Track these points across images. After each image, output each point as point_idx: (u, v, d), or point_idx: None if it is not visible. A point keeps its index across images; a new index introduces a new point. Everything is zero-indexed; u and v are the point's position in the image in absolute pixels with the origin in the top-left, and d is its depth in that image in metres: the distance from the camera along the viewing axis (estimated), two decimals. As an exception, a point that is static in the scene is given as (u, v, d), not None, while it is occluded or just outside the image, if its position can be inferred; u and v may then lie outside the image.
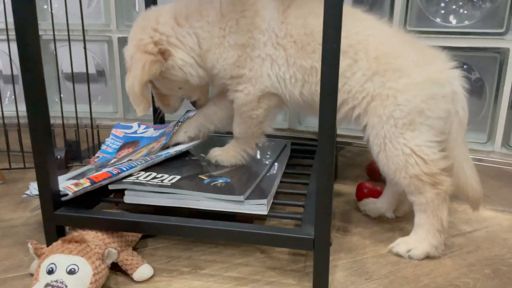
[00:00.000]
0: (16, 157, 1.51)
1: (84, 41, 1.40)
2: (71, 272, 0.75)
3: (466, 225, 1.15)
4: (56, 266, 0.75)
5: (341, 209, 1.23)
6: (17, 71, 1.53)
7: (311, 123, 1.46)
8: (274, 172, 1.07)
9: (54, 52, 1.49)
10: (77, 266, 0.76)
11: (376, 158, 0.99)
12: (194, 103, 1.18)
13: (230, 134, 1.13)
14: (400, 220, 1.16)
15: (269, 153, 1.20)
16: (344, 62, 0.96)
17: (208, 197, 0.91)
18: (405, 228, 1.11)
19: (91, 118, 1.49)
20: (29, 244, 0.80)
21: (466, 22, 1.23)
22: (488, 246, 1.04)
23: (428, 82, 0.94)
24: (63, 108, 1.47)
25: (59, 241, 0.80)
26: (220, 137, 1.30)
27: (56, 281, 0.73)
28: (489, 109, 1.23)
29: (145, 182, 0.96)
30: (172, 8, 1.04)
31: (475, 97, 1.26)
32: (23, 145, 1.51)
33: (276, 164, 1.13)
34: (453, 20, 1.25)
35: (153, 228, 0.88)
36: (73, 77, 1.45)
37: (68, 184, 0.91)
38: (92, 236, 0.86)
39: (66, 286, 0.72)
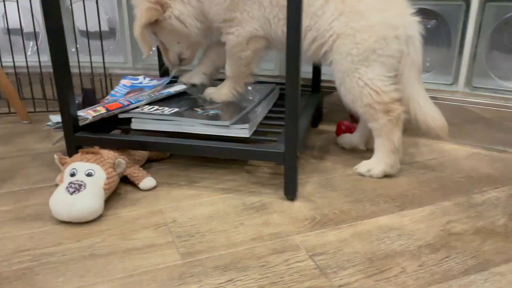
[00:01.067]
0: (39, 103, 1.72)
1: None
2: (89, 175, 0.95)
3: (427, 155, 1.31)
4: (77, 170, 0.96)
5: (322, 143, 1.41)
6: (38, 27, 1.71)
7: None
8: (260, 108, 1.25)
9: (70, 7, 1.66)
10: (93, 170, 0.96)
11: (338, 90, 1.16)
12: (180, 62, 1.31)
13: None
14: (370, 152, 1.33)
15: (258, 94, 1.37)
16: (317, 2, 1.11)
17: (200, 123, 1.10)
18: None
19: (104, 68, 1.67)
20: (55, 155, 1.00)
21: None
22: (442, 169, 1.21)
23: (382, 25, 1.09)
24: (79, 58, 1.66)
25: (79, 153, 1.00)
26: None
27: (77, 180, 0.93)
28: (454, 53, 1.37)
29: (149, 112, 1.15)
30: None
31: (442, 43, 1.40)
32: (45, 92, 1.72)
33: (263, 102, 1.31)
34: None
35: (154, 146, 1.07)
36: (88, 31, 1.62)
37: (88, 110, 1.10)
38: (106, 153, 1.05)
39: (85, 184, 0.92)
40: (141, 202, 1.02)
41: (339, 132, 1.44)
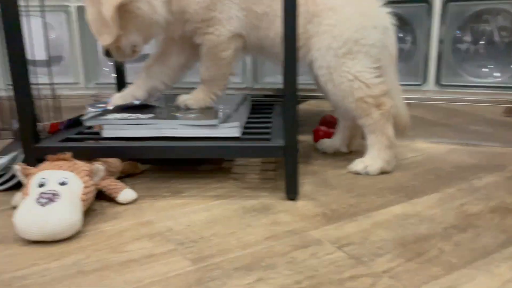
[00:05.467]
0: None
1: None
2: (63, 183, 0.80)
3: (409, 153, 1.30)
4: (47, 179, 0.80)
5: (302, 151, 1.35)
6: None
7: (268, 81, 1.57)
8: (241, 111, 1.16)
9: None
10: (67, 179, 0.81)
11: (325, 88, 1.11)
12: (107, 54, 1.09)
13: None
14: (353, 154, 1.29)
15: (230, 102, 1.29)
16: None
17: (184, 123, 0.99)
18: (358, 158, 1.24)
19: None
20: (16, 166, 0.84)
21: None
22: (429, 163, 1.20)
23: (357, 15, 1.08)
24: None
25: (47, 161, 0.85)
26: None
27: (50, 190, 0.77)
28: (422, 54, 1.40)
29: (123, 117, 1.02)
30: None
31: (409, 45, 1.43)
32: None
33: (240, 108, 1.23)
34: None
35: (134, 151, 0.94)
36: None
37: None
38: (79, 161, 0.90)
39: (59, 193, 0.77)
40: (123, 215, 0.87)
41: (316, 138, 1.39)
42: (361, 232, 0.79)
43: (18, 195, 0.91)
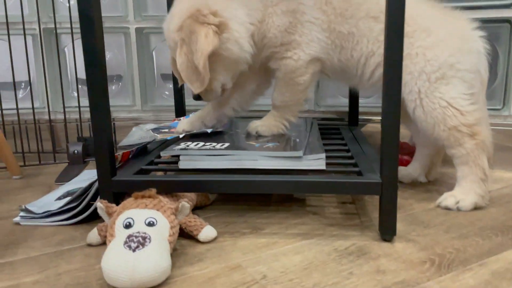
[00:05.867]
0: (28, 156, 1.47)
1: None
2: (150, 224, 0.74)
3: (493, 185, 1.20)
4: (133, 220, 0.74)
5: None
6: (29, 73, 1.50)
7: (330, 103, 1.50)
8: (315, 138, 1.09)
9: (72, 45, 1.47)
10: (154, 219, 0.75)
11: (412, 115, 1.03)
12: (198, 97, 1.06)
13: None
14: (433, 184, 1.20)
15: (301, 127, 1.22)
16: (377, 27, 1.02)
17: (266, 155, 0.92)
18: (440, 189, 1.14)
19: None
20: (98, 203, 0.78)
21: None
22: (523, 196, 1.09)
23: (453, 38, 1.00)
24: (80, 103, 1.45)
25: (131, 198, 0.79)
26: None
27: (138, 232, 0.71)
28: (503, 76, 1.31)
29: (197, 148, 0.96)
30: None
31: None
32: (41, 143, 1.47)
33: (312, 133, 1.15)
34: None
35: (216, 185, 0.87)
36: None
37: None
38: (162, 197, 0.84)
39: (149, 236, 0.70)
40: (208, 257, 0.80)
41: (389, 166, 1.30)
42: (485, 285, 0.69)
43: (93, 233, 0.85)
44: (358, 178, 0.85)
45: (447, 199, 1.02)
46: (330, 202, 1.07)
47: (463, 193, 1.01)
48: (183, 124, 1.14)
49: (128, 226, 0.73)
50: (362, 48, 1.04)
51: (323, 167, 0.91)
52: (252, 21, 1.01)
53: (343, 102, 1.49)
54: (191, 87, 0.99)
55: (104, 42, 0.84)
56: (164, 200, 0.82)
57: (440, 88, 0.98)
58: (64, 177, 1.29)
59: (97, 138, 0.85)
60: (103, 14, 0.82)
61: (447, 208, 1.01)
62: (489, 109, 1.31)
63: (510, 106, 1.30)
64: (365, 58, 1.05)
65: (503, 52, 1.30)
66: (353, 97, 1.38)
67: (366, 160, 0.98)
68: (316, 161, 0.91)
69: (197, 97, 1.04)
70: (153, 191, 0.79)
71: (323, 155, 0.91)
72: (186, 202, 0.79)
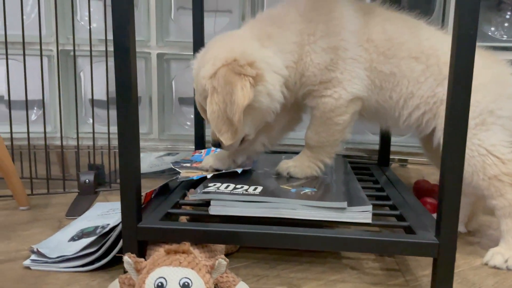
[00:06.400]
0: (36, 183, 1.39)
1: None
2: (185, 286, 0.65)
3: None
4: (166, 281, 0.65)
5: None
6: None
7: (358, 140, 1.43)
8: (355, 184, 1.01)
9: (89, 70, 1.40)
10: (189, 279, 0.66)
11: None
12: (218, 145, 0.96)
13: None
14: (474, 235, 1.12)
15: (332, 167, 1.14)
16: (418, 67, 0.97)
17: (307, 204, 0.84)
18: (483, 242, 1.07)
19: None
20: (126, 258, 0.69)
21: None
22: None
23: (495, 83, 0.96)
24: (94, 130, 1.37)
25: (162, 252, 0.70)
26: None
27: (172, 296, 0.62)
28: None
29: (228, 192, 0.88)
30: (250, 29, 0.98)
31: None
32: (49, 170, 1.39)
33: (350, 177, 1.08)
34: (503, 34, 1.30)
35: (254, 238, 0.79)
36: (108, 100, 1.36)
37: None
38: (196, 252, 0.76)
39: (184, 301, 0.62)
40: (245, 321, 0.72)
41: (423, 212, 1.22)
42: None
43: (115, 285, 0.76)
44: (412, 238, 0.77)
45: (495, 257, 0.94)
46: (366, 253, 0.99)
47: (510, 249, 0.93)
48: (210, 161, 1.06)
49: (160, 286, 0.64)
50: (402, 89, 0.98)
51: (369, 220, 0.83)
52: (288, 64, 0.95)
53: (372, 140, 1.42)
54: (220, 137, 0.91)
55: (137, 75, 0.77)
56: (198, 254, 0.73)
57: (479, 134, 0.93)
58: (75, 210, 1.20)
59: (125, 182, 0.77)
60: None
61: (496, 267, 0.93)
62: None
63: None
64: (404, 100, 0.99)
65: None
66: (385, 135, 1.31)
67: (411, 211, 0.90)
68: (362, 214, 0.83)
69: (217, 145, 0.97)
70: (187, 245, 0.71)
71: (370, 207, 0.83)
72: (223, 259, 0.71)
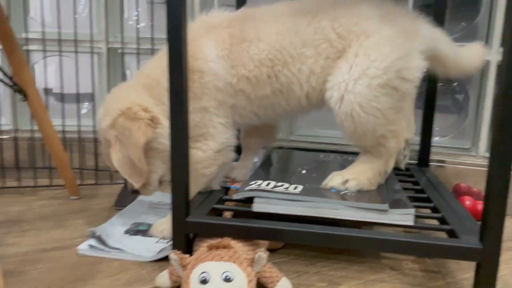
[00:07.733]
0: (85, 174, 1.46)
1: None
2: (227, 279, 0.69)
3: None
4: (209, 275, 0.69)
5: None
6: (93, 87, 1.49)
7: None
8: (396, 186, 1.01)
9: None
10: (231, 273, 0.69)
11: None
12: (135, 191, 1.01)
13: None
14: (516, 239, 1.10)
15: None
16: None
17: (349, 205, 0.85)
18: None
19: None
20: (171, 255, 0.73)
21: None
22: None
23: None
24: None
25: (204, 248, 0.74)
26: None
27: (217, 289, 0.66)
28: (473, 118, 1.33)
29: (270, 189, 0.90)
30: (135, 82, 0.99)
31: (460, 108, 1.37)
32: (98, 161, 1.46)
33: (390, 178, 1.08)
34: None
35: (296, 236, 0.81)
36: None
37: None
38: (238, 246, 0.79)
39: (229, 295, 0.65)
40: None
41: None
42: None
43: (163, 276, 0.80)
44: (455, 242, 0.77)
45: (334, 178, 0.95)
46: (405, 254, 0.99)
47: (350, 174, 0.96)
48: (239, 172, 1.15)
49: (204, 281, 0.68)
50: None
51: (411, 223, 0.84)
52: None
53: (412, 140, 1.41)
54: (132, 182, 0.94)
55: (188, 82, 0.80)
56: (239, 248, 0.77)
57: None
58: (123, 201, 1.26)
59: (175, 178, 0.81)
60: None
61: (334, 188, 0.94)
62: (457, 148, 1.37)
63: (478, 147, 1.31)
64: None
65: (474, 94, 1.31)
66: (426, 135, 1.29)
67: (454, 214, 0.90)
68: (403, 216, 0.84)
69: (135, 191, 1.00)
70: (228, 241, 0.74)
71: (412, 210, 0.83)
72: (263, 252, 0.74)
